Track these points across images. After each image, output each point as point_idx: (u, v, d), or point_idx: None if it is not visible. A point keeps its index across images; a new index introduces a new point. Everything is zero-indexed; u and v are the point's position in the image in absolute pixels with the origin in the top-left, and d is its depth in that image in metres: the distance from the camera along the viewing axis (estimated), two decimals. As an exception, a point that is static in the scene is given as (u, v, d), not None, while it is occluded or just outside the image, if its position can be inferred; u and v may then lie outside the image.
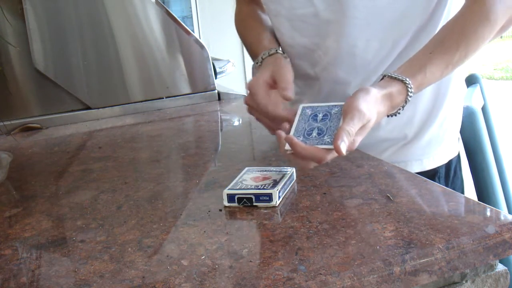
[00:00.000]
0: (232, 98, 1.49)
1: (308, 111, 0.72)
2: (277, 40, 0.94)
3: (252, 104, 0.79)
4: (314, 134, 0.67)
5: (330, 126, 0.67)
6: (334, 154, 0.65)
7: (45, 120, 1.37)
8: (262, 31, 0.96)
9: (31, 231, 0.64)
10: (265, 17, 1.01)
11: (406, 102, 0.72)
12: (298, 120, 0.72)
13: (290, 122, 0.73)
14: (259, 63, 0.84)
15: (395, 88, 0.71)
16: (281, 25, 0.93)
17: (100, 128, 1.30)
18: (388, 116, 0.74)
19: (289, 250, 0.52)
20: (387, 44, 0.85)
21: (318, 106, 0.73)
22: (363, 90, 0.68)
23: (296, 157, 0.67)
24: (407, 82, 0.71)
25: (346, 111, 0.66)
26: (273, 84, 0.77)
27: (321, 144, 0.65)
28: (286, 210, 0.63)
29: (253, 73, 0.92)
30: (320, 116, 0.71)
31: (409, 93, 0.71)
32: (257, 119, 0.82)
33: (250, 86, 0.78)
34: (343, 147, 0.62)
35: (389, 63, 0.87)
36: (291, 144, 0.66)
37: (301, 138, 0.67)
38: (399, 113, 0.73)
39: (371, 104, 0.67)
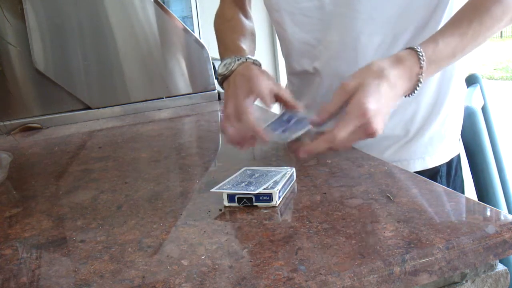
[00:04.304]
0: (232, 98, 1.49)
1: (285, 117, 0.79)
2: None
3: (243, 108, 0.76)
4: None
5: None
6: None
7: (45, 120, 1.37)
8: (245, 34, 0.97)
9: (31, 231, 0.64)
10: (248, 23, 1.02)
11: (422, 69, 0.69)
12: (275, 120, 0.79)
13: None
14: (236, 62, 0.84)
15: (402, 52, 0.70)
16: (282, 21, 0.93)
17: (100, 128, 1.30)
18: (408, 95, 0.72)
19: (289, 250, 0.52)
20: (388, 38, 0.86)
21: (296, 114, 0.79)
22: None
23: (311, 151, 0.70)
24: (415, 47, 0.70)
25: None
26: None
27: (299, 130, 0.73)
28: (286, 210, 0.63)
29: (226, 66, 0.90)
30: (293, 120, 0.77)
31: (421, 58, 0.69)
32: (225, 131, 0.77)
33: (259, 89, 0.78)
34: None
35: None
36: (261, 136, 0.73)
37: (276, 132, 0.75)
38: (420, 82, 0.70)
39: (361, 69, 0.70)
